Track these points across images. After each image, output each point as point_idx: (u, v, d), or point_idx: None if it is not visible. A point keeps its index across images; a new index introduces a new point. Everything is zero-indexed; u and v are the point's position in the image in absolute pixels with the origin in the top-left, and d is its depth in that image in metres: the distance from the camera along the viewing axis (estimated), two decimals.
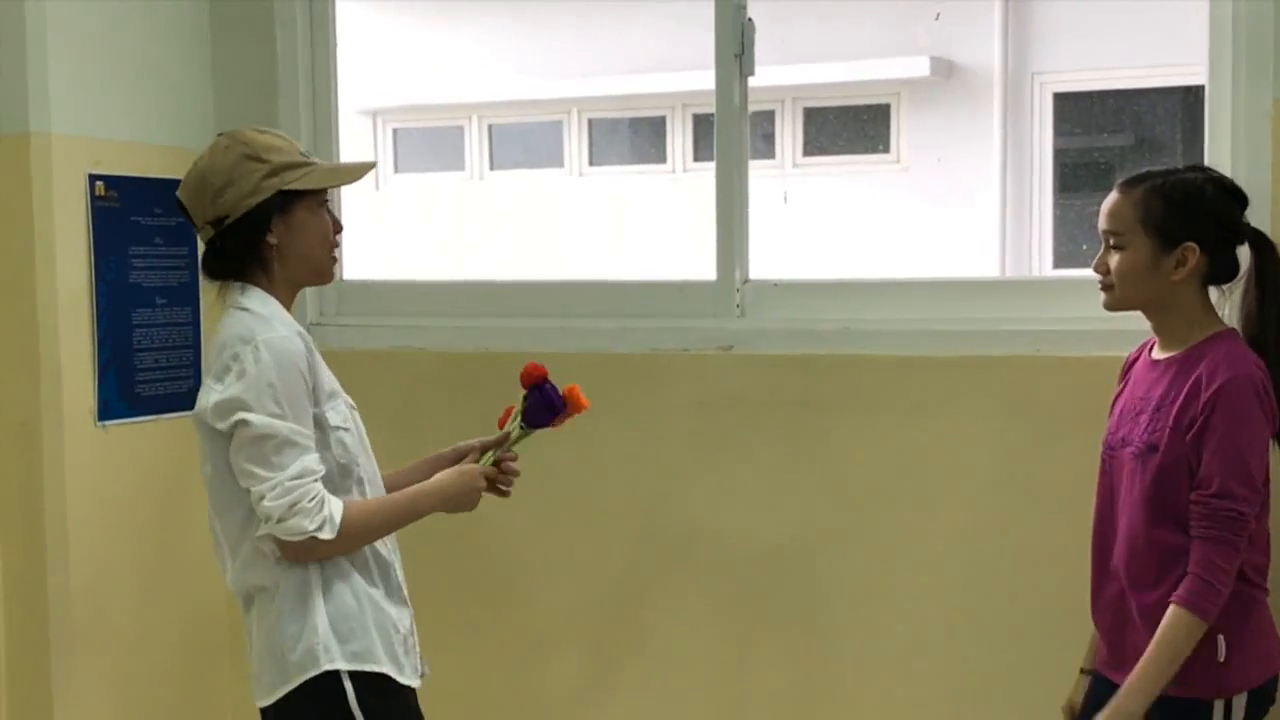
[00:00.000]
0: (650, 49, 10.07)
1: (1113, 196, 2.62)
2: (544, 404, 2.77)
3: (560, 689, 3.52)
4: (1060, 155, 9.44)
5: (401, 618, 2.66)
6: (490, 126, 11.47)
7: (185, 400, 3.64)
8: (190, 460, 3.65)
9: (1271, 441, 2.56)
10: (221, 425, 2.52)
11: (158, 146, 3.60)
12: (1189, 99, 8.68)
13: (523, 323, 3.56)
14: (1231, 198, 2.62)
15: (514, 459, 2.80)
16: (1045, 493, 3.05)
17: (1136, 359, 2.73)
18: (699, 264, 3.51)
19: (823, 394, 3.26)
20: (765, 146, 10.20)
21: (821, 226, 9.43)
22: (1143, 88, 9.23)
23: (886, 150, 10.27)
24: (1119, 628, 2.63)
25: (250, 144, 2.60)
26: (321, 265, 2.69)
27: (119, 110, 3.51)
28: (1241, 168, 2.92)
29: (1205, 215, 2.57)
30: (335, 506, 2.51)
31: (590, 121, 11.17)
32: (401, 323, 3.64)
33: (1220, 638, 2.51)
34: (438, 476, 2.71)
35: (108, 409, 3.46)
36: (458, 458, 2.79)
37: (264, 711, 2.64)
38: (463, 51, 11.06)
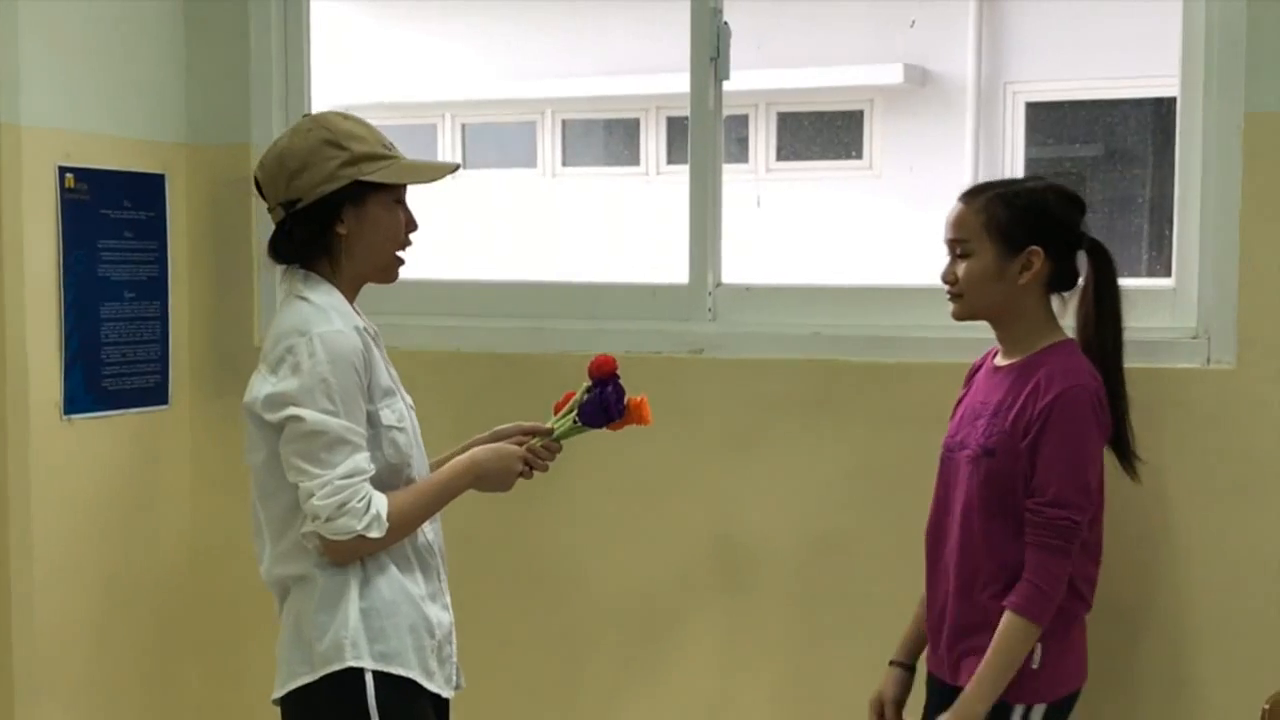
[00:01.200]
0: (625, 51, 10.07)
1: (956, 207, 2.68)
2: (601, 407, 2.69)
3: (531, 692, 3.52)
4: (1032, 165, 9.48)
5: (440, 620, 2.59)
6: (464, 126, 11.45)
7: (153, 395, 3.64)
8: (157, 456, 3.67)
9: (1104, 453, 2.62)
10: (273, 418, 2.46)
11: (129, 140, 3.58)
12: (1161, 111, 8.72)
13: (495, 323, 3.56)
14: (1071, 204, 2.69)
15: (558, 449, 2.72)
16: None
17: (981, 365, 2.79)
18: (671, 267, 3.51)
19: (793, 399, 3.26)
20: (739, 150, 10.21)
21: (794, 231, 9.45)
22: (1115, 99, 9.28)
23: (859, 156, 10.30)
24: (944, 627, 2.67)
25: (332, 129, 2.53)
26: (387, 263, 2.61)
27: (90, 103, 3.49)
28: (1212, 180, 2.94)
29: (1048, 219, 2.64)
30: (381, 504, 2.46)
31: (564, 122, 11.16)
32: (373, 320, 3.62)
33: (1038, 645, 2.55)
34: (473, 454, 2.63)
35: (74, 403, 3.44)
36: (493, 440, 2.71)
37: (282, 701, 2.56)
38: (436, 50, 11.04)
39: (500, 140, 11.55)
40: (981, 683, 2.54)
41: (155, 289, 3.65)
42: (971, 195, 2.68)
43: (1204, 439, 2.93)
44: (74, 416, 3.44)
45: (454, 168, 2.68)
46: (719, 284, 3.42)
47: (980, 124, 9.54)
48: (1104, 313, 2.67)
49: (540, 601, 3.51)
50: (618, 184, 10.86)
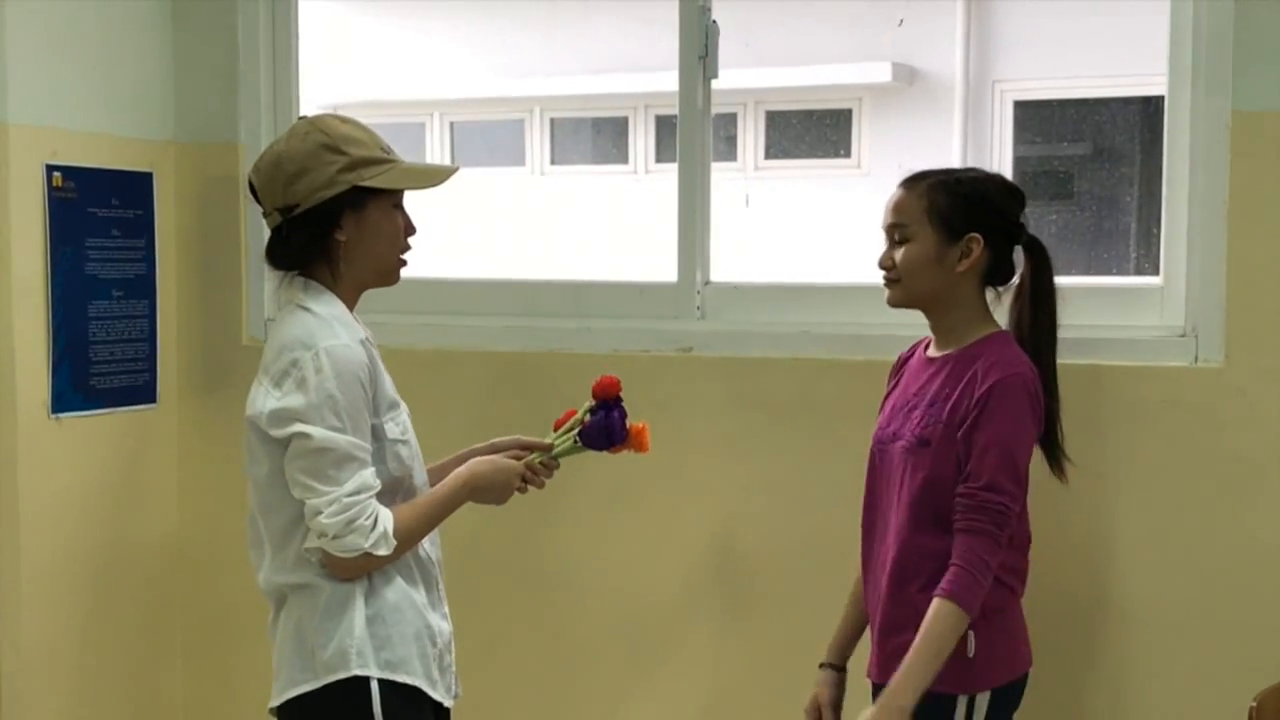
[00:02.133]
0: (614, 49, 10.07)
1: (896, 193, 2.70)
2: (605, 431, 2.69)
3: (524, 696, 3.52)
4: (1020, 163, 9.49)
5: (441, 629, 2.58)
6: (452, 124, 11.44)
7: (141, 393, 3.64)
8: (145, 455, 3.67)
9: (1035, 445, 2.63)
10: (278, 434, 2.42)
11: (117, 138, 3.57)
12: (1149, 109, 8.74)
13: (482, 321, 3.55)
14: (1011, 195, 2.69)
15: (556, 466, 2.72)
16: None
17: (909, 357, 2.80)
18: (660, 265, 3.51)
19: (782, 397, 3.26)
20: (727, 149, 10.21)
21: (783, 230, 9.45)
22: (1103, 97, 9.29)
23: (848, 155, 10.31)
24: (876, 624, 2.68)
25: (330, 133, 2.49)
26: (389, 268, 2.59)
27: (78, 101, 3.48)
28: (1200, 179, 2.94)
29: (988, 208, 2.65)
30: (388, 520, 2.43)
31: (552, 120, 11.15)
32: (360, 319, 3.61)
33: (970, 634, 2.55)
34: (472, 467, 2.62)
35: (62, 401, 3.43)
36: (490, 453, 2.70)
37: (281, 709, 2.52)
38: (425, 48, 11.03)
39: (489, 138, 11.54)
40: (908, 674, 2.50)
41: (143, 287, 3.64)
42: (913, 181, 2.69)
43: (1192, 437, 2.94)
44: (61, 415, 3.43)
45: (453, 171, 2.65)
46: (707, 282, 3.42)
47: (968, 122, 9.55)
48: (1039, 310, 2.67)
49: (530, 604, 3.50)
50: (606, 182, 10.85)
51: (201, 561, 3.73)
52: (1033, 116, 9.63)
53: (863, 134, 10.23)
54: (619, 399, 2.71)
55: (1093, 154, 9.55)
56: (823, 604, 3.20)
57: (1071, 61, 9.06)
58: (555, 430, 2.74)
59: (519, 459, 2.69)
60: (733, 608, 3.33)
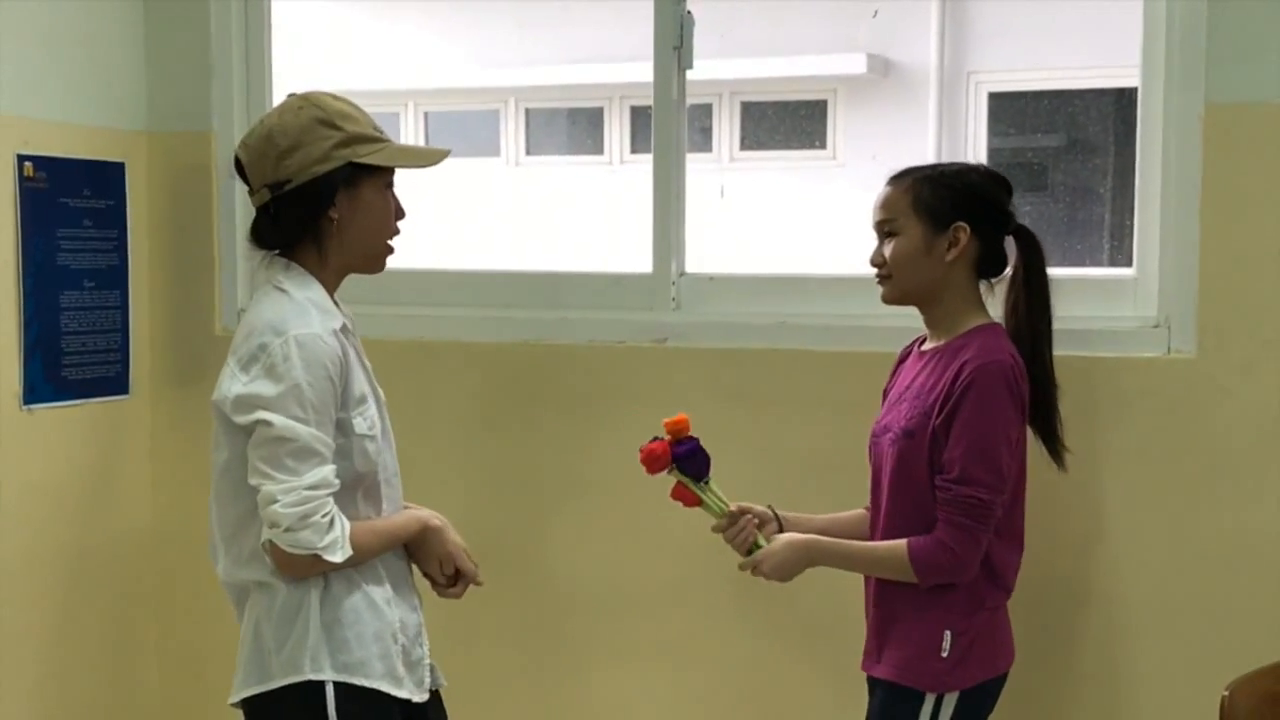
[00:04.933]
0: (589, 40, 10.05)
1: (883, 190, 2.71)
2: (704, 456, 2.73)
3: (498, 687, 3.51)
4: (994, 154, 9.51)
5: (407, 623, 2.51)
6: (426, 114, 11.40)
7: (113, 384, 3.62)
8: (118, 446, 3.65)
9: (1026, 436, 2.64)
10: (241, 420, 2.36)
11: (88, 128, 3.55)
12: (1122, 101, 8.76)
13: (458, 312, 3.55)
14: (997, 184, 2.70)
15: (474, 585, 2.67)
16: None
17: (908, 354, 2.81)
18: (635, 256, 3.50)
19: (757, 388, 3.27)
20: (703, 140, 10.20)
21: (758, 221, 9.45)
22: (1077, 89, 9.31)
23: (823, 146, 10.32)
24: (869, 616, 2.71)
25: (324, 108, 2.44)
26: (378, 251, 2.53)
27: (49, 90, 3.46)
28: (1173, 170, 2.96)
29: (974, 196, 2.66)
30: (346, 528, 2.38)
31: (528, 111, 11.13)
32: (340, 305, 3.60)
33: (947, 634, 2.57)
34: (436, 519, 2.58)
35: (34, 392, 3.41)
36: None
37: (240, 705, 2.49)
38: (400, 38, 10.98)
39: (464, 129, 11.50)
40: (836, 549, 2.64)
41: (115, 278, 3.63)
42: (898, 177, 2.71)
43: (1165, 427, 2.95)
44: (34, 406, 3.41)
45: (447, 153, 2.59)
46: (683, 273, 3.42)
47: (943, 114, 9.56)
48: (1033, 299, 2.68)
49: (507, 594, 3.50)
50: (581, 173, 10.83)
51: (175, 553, 3.72)
52: (1007, 108, 9.65)
53: (838, 125, 10.24)
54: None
55: (1067, 146, 9.57)
56: (804, 593, 3.20)
57: (1046, 53, 9.08)
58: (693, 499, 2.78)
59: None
60: (708, 597, 3.33)
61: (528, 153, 11.17)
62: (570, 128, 11.37)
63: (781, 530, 2.78)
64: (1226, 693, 2.60)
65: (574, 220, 9.89)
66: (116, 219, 3.62)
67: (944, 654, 2.56)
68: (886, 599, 2.66)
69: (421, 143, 11.35)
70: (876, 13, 9.48)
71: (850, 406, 3.18)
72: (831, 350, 3.21)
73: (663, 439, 2.72)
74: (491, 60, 10.69)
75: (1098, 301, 3.06)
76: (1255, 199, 2.89)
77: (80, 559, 3.56)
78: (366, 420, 2.46)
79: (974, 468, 2.52)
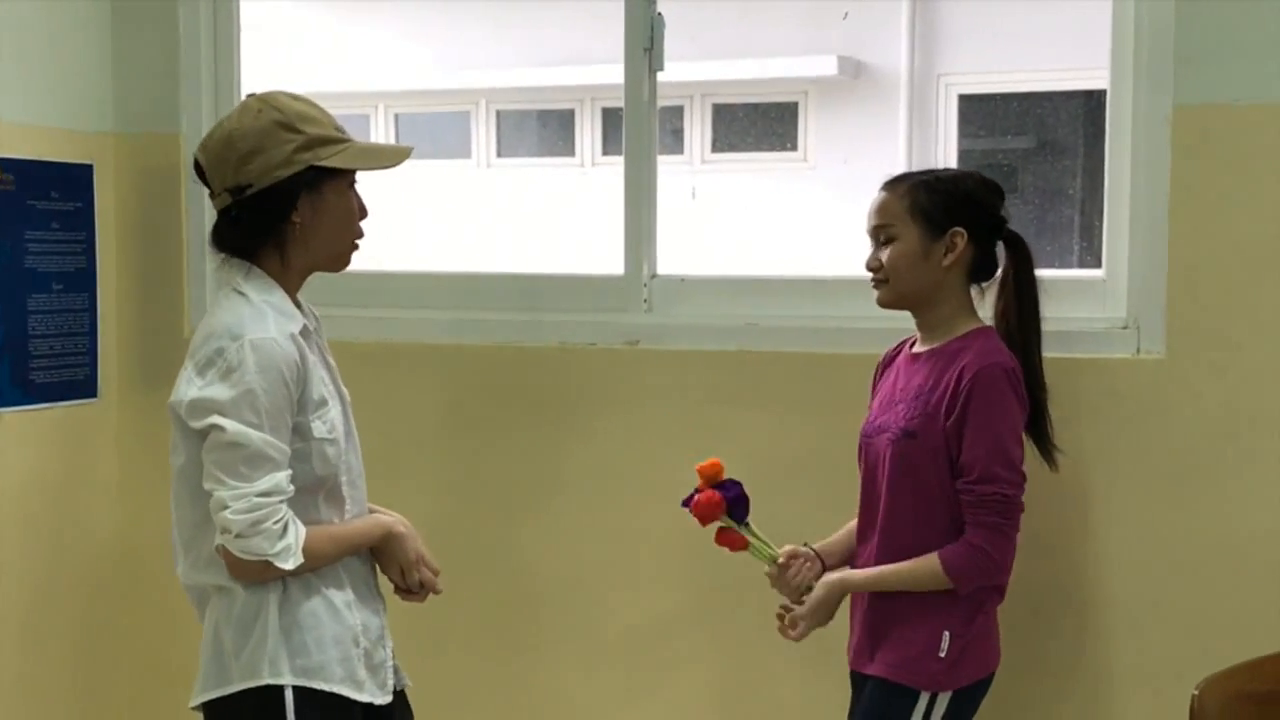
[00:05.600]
0: (560, 42, 10.05)
1: (879, 195, 2.72)
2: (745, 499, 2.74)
3: (472, 688, 3.51)
4: (965, 156, 9.55)
5: (369, 626, 2.49)
6: (396, 116, 11.38)
7: (81, 388, 3.60)
8: (86, 450, 3.63)
9: (1025, 436, 2.67)
10: (195, 424, 2.34)
11: (56, 129, 3.53)
12: (1091, 103, 8.81)
13: (429, 314, 3.54)
14: (991, 190, 2.73)
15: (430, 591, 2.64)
16: None
17: (895, 356, 2.83)
18: (607, 258, 3.50)
19: (729, 390, 3.27)
20: (674, 142, 10.21)
21: (729, 223, 9.47)
22: (1046, 91, 9.36)
23: (794, 148, 10.34)
24: (861, 614, 2.73)
25: (284, 111, 2.40)
26: (342, 252, 2.51)
27: (16, 92, 3.43)
28: (1142, 172, 2.97)
29: (970, 202, 2.69)
30: (299, 535, 2.36)
31: (498, 113, 11.12)
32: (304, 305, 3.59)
33: (946, 634, 2.60)
34: (399, 524, 2.56)
35: (1, 396, 3.39)
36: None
37: (199, 709, 2.47)
38: (370, 39, 10.96)
39: (434, 131, 11.48)
40: (871, 576, 2.66)
41: (83, 281, 3.60)
42: (894, 183, 2.72)
43: (1134, 428, 2.96)
44: (1, 410, 3.39)
45: (409, 151, 2.57)
46: (654, 275, 3.42)
47: (913, 116, 9.59)
48: (1023, 303, 2.71)
49: (478, 596, 3.49)
50: (552, 175, 10.83)
51: (143, 557, 3.69)
52: (977, 110, 9.69)
53: (809, 127, 10.26)
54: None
55: (1036, 147, 9.62)
56: (772, 593, 3.20)
57: (1015, 56, 9.12)
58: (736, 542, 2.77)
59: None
60: (681, 598, 3.33)
61: (499, 155, 11.16)
62: (541, 130, 11.36)
63: (824, 568, 2.80)
64: (1196, 692, 2.61)
65: (545, 222, 9.89)
66: (84, 221, 3.60)
67: (942, 654, 2.59)
68: (885, 600, 2.67)
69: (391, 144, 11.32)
70: (847, 15, 9.50)
71: (822, 408, 3.18)
72: (803, 352, 3.21)
73: (706, 489, 2.73)
74: (462, 62, 10.68)
75: (1067, 303, 3.07)
76: (1224, 200, 2.90)
77: (48, 562, 3.54)
78: (326, 424, 2.44)
79: (994, 466, 2.56)
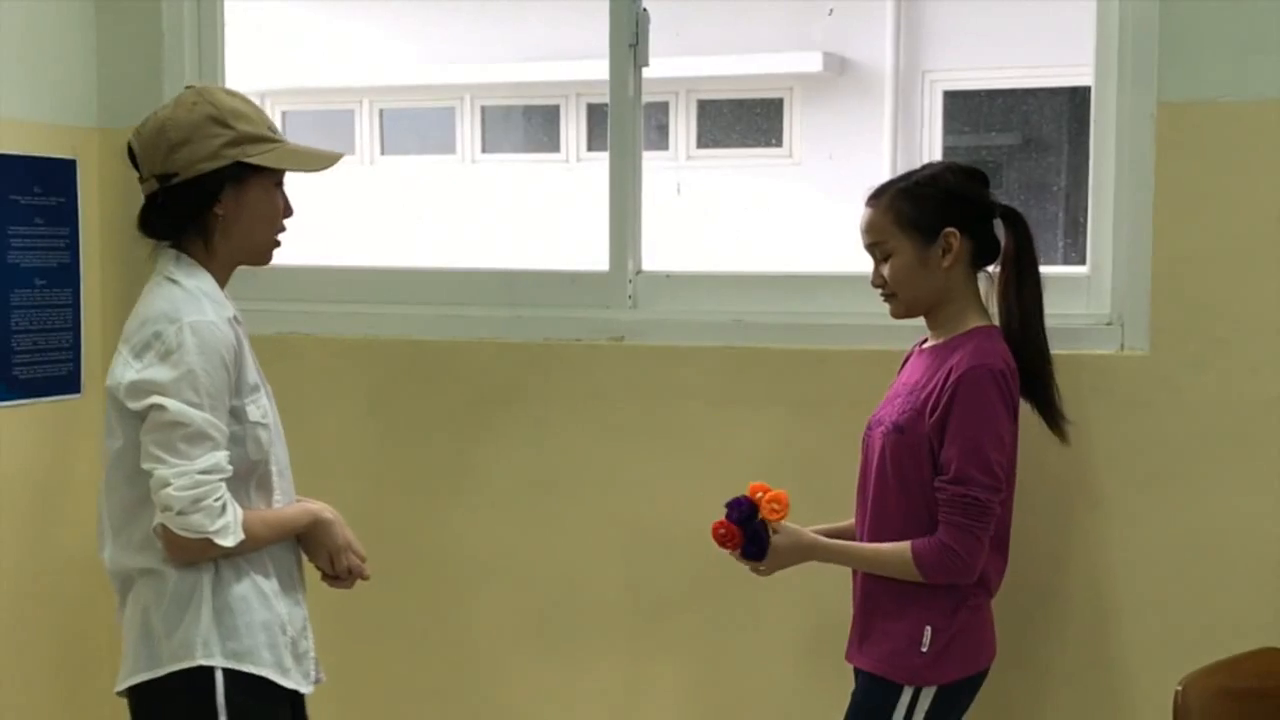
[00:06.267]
0: (545, 37, 10.03)
1: (865, 212, 2.72)
2: (757, 542, 2.66)
3: (441, 683, 3.51)
4: (950, 153, 9.54)
5: (294, 617, 2.55)
6: (381, 111, 11.35)
7: (65, 383, 3.59)
8: (70, 446, 3.62)
9: (1018, 442, 2.66)
10: (135, 406, 2.38)
11: (38, 124, 3.52)
12: (1076, 100, 8.82)
13: (414, 310, 3.53)
14: (972, 178, 2.72)
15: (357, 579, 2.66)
16: None
17: (914, 352, 2.83)
18: (592, 254, 3.50)
19: (714, 386, 3.27)
20: (659, 138, 10.20)
21: (714, 219, 9.46)
22: (1031, 88, 9.37)
23: (779, 144, 10.34)
24: (854, 605, 2.75)
25: (218, 106, 2.47)
26: (264, 247, 2.57)
27: None
28: (1126, 169, 2.98)
29: (953, 198, 2.68)
30: (238, 514, 2.40)
31: (483, 108, 11.10)
32: (289, 308, 3.59)
33: (928, 629, 2.61)
34: (325, 511, 2.59)
35: None
36: None
37: (126, 694, 2.50)
38: (354, 34, 10.93)
39: (419, 126, 11.46)
40: (838, 553, 2.69)
41: (67, 276, 3.59)
42: (875, 197, 2.72)
43: (1118, 424, 2.97)
44: None
45: (339, 157, 2.64)
46: (639, 271, 3.42)
47: (899, 112, 9.60)
48: (1023, 273, 2.70)
49: (470, 593, 3.49)
50: (538, 170, 10.82)
51: None
52: (962, 107, 9.70)
53: (794, 123, 10.26)
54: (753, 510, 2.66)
55: (1021, 144, 9.63)
56: (753, 594, 3.21)
57: (1000, 53, 9.13)
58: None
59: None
60: (660, 594, 3.33)
61: (483, 150, 11.13)
62: (526, 125, 11.35)
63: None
64: (1179, 688, 2.62)
65: (530, 218, 9.87)
66: (68, 216, 3.59)
67: (924, 649, 2.60)
68: (871, 593, 2.69)
69: (377, 140, 11.30)
70: (832, 11, 9.51)
71: (806, 404, 3.19)
72: (788, 348, 3.21)
73: (730, 526, 2.66)
74: (447, 57, 10.66)
75: (1052, 299, 3.05)
76: (1207, 197, 2.91)
77: (31, 557, 3.53)
78: (259, 408, 2.50)
79: (969, 468, 2.55)
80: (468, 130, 11.09)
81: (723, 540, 2.67)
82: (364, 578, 2.66)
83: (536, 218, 9.81)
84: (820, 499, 2.97)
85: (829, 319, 3.22)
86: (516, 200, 10.35)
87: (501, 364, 3.42)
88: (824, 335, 3.19)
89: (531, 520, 3.42)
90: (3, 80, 3.43)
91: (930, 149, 9.53)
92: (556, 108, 10.86)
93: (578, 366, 3.37)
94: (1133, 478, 2.97)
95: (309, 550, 2.62)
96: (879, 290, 2.74)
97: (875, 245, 2.71)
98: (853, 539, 2.79)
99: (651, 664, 3.36)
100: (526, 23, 10.21)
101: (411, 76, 10.85)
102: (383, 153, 11.36)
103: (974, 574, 2.60)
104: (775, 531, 2.66)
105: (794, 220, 9.43)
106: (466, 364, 3.45)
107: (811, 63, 9.78)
